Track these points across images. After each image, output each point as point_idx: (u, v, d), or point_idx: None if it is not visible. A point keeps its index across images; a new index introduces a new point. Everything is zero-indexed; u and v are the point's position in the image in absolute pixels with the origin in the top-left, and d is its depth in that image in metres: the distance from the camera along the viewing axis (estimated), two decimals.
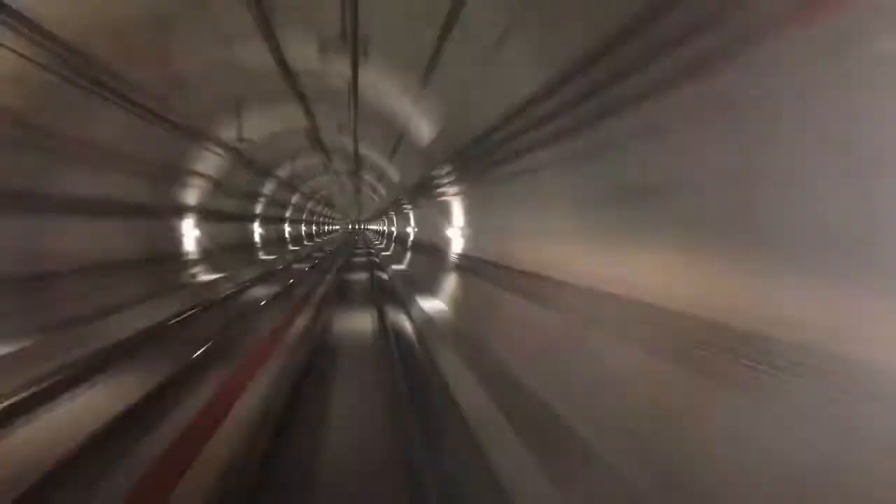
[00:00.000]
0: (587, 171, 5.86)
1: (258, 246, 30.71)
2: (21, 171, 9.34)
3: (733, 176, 3.61)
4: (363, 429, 6.40)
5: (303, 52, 9.78)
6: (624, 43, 3.97)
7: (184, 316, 13.06)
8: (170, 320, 12.34)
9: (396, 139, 15.47)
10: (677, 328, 4.13)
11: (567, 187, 6.54)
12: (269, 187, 28.91)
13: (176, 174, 16.54)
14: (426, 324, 11.19)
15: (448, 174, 12.24)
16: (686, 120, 3.92)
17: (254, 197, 27.97)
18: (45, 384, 7.33)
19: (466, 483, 4.99)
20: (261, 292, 18.15)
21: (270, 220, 34.37)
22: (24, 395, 6.90)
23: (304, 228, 53.48)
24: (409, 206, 22.00)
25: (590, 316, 5.77)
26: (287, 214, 40.83)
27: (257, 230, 31.21)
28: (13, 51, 6.43)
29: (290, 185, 31.69)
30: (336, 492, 4.95)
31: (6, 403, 6.59)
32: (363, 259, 33.55)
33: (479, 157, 9.07)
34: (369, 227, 78.72)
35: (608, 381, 5.04)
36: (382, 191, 33.43)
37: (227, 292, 17.37)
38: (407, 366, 8.65)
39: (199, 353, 9.33)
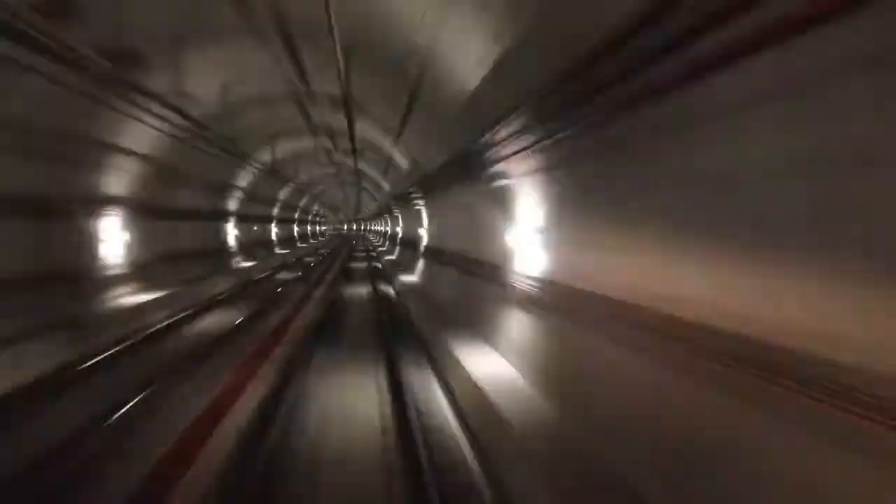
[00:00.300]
0: (476, 192, 12.94)
1: (275, 242, 38.15)
2: (165, 195, 16.71)
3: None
4: (363, 323, 13.77)
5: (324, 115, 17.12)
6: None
7: (243, 285, 20.44)
8: (235, 287, 19.76)
9: (386, 163, 22.87)
10: (473, 261, 11.46)
11: (462, 202, 13.77)
12: (284, 193, 36.26)
13: (227, 189, 23.95)
14: (401, 286, 18.60)
15: (416, 191, 19.54)
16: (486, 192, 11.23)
17: (272, 202, 35.36)
18: (194, 309, 14.75)
19: (405, 331, 12.35)
20: (287, 275, 25.52)
21: (284, 221, 41.80)
22: (186, 313, 14.25)
23: (309, 228, 61.13)
24: (397, 212, 29.34)
25: (471, 270, 13.07)
26: (296, 216, 48.30)
27: (274, 229, 38.65)
28: (171, 123, 13.31)
29: (302, 191, 39.08)
30: (351, 342, 12.27)
31: (183, 315, 13.94)
32: (363, 254, 40.90)
33: (432, 184, 16.25)
34: (370, 228, 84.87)
35: (463, 290, 12.42)
36: (379, 198, 40.72)
37: (264, 274, 24.78)
38: (388, 304, 16.03)
39: (262, 304, 16.64)
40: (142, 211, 15.58)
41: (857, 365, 2.97)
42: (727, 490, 3.76)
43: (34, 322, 9.29)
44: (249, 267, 25.40)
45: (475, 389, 7.08)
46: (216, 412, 6.64)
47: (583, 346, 6.29)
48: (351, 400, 8.09)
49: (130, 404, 7.44)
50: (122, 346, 10.32)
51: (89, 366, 9.06)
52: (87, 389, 8.22)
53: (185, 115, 12.05)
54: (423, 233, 21.98)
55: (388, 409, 7.64)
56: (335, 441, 6.65)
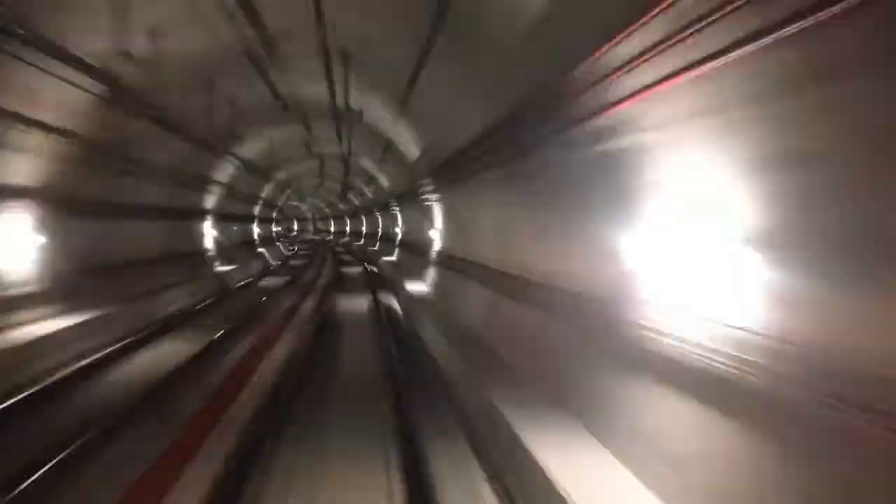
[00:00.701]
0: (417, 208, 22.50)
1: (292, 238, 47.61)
2: (232, 206, 26.06)
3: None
4: (358, 280, 23.28)
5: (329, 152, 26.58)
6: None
7: (281, 263, 29.88)
8: (277, 264, 29.20)
9: (370, 179, 32.41)
10: (417, 245, 20.97)
11: (413, 213, 23.32)
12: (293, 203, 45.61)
13: (255, 199, 33.36)
14: (384, 263, 28.20)
15: (394, 202, 29.02)
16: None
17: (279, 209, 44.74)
18: (253, 275, 24.20)
19: (379, 281, 21.85)
20: (298, 261, 34.94)
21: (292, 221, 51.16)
22: (250, 279, 23.62)
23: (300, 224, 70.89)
24: (378, 214, 38.83)
25: (416, 251, 22.53)
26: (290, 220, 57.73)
27: (275, 228, 48.03)
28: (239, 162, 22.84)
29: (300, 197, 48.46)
30: (349, 290, 21.76)
31: (247, 280, 23.30)
32: (346, 239, 50.46)
33: (405, 196, 25.74)
34: (353, 228, 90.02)
35: (412, 260, 21.98)
36: (367, 201, 50.13)
37: (289, 259, 34.25)
38: (372, 275, 25.59)
39: (297, 267, 26.05)
40: (220, 217, 25.02)
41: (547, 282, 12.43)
42: (508, 322, 13.27)
43: (193, 274, 18.76)
44: (279, 253, 34.88)
45: (408, 293, 16.61)
46: (300, 302, 16.16)
47: (452, 278, 15.80)
48: (354, 301, 17.65)
49: (262, 301, 17.11)
50: (238, 286, 19.92)
51: (222, 296, 18.54)
52: (234, 298, 17.67)
53: (244, 160, 21.57)
54: (399, 231, 31.51)
55: (371, 303, 17.17)
56: (349, 309, 16.18)
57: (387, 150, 20.87)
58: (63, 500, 5.38)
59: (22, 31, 7.53)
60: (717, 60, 3.62)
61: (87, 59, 9.33)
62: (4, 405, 7.43)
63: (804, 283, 3.49)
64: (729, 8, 3.27)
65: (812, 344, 3.33)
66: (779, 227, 3.69)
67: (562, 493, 4.26)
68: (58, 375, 8.92)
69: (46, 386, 8.40)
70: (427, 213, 19.78)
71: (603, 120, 5.45)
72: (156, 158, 15.57)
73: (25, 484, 5.41)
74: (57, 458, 5.90)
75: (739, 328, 3.97)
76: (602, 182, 6.13)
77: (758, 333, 3.78)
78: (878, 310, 2.97)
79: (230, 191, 24.76)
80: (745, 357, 3.84)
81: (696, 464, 4.16)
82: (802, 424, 3.31)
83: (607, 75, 4.89)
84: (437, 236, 18.71)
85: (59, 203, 11.73)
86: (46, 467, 5.72)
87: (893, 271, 2.85)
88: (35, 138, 10.23)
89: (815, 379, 3.23)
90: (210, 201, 23.25)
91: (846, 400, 3.00)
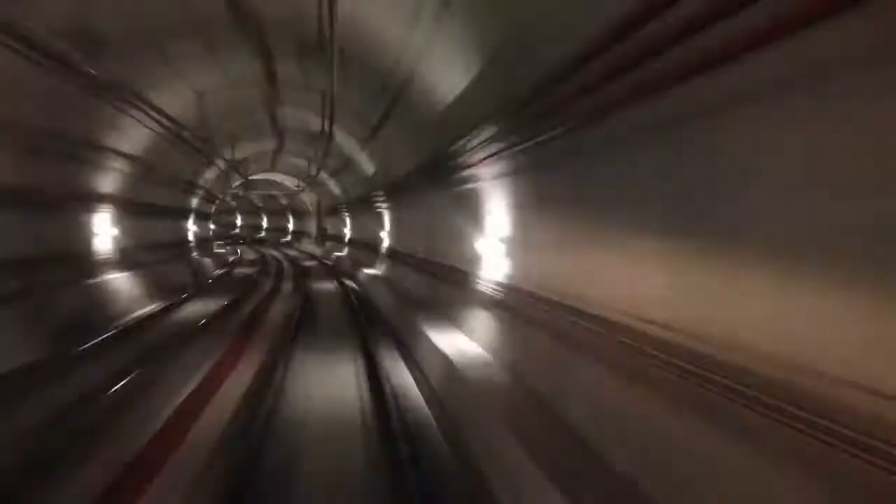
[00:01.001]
0: (370, 213, 28.26)
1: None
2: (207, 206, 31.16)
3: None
4: (319, 271, 28.93)
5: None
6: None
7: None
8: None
9: (333, 195, 38.00)
10: (367, 243, 26.85)
11: (366, 216, 29.11)
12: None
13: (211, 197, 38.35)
14: (337, 258, 33.86)
15: (345, 208, 34.65)
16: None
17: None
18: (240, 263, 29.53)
19: (332, 266, 27.62)
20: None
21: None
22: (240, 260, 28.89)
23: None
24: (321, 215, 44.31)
25: (367, 247, 28.28)
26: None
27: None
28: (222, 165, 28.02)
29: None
30: (311, 271, 27.39)
31: (224, 268, 28.58)
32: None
33: (356, 204, 31.39)
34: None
35: (364, 255, 27.87)
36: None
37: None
38: (332, 270, 31.29)
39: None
40: (201, 216, 30.13)
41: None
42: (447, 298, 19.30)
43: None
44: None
45: (366, 276, 22.51)
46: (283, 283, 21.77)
47: (397, 265, 21.78)
48: (323, 285, 23.41)
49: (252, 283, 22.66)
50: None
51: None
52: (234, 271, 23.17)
53: (230, 161, 26.90)
54: (348, 232, 37.24)
55: (337, 286, 22.98)
56: (320, 288, 21.94)
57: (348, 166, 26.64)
58: (209, 339, 12.06)
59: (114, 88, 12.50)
60: (502, 153, 8.47)
61: (159, 105, 14.72)
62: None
63: (534, 257, 9.18)
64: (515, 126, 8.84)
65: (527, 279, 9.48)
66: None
67: (435, 342, 10.41)
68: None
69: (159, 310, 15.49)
70: (378, 219, 25.60)
71: (463, 174, 10.70)
72: (179, 172, 21.45)
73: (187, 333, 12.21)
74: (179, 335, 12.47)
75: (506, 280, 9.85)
76: (461, 208, 12.00)
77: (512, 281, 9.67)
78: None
79: (208, 192, 29.97)
80: (509, 292, 9.62)
81: (494, 334, 9.82)
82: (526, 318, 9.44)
83: (465, 152, 9.73)
84: (386, 237, 24.53)
85: (123, 206, 17.02)
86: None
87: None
88: (116, 162, 15.55)
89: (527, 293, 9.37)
90: (194, 202, 28.37)
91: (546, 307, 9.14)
